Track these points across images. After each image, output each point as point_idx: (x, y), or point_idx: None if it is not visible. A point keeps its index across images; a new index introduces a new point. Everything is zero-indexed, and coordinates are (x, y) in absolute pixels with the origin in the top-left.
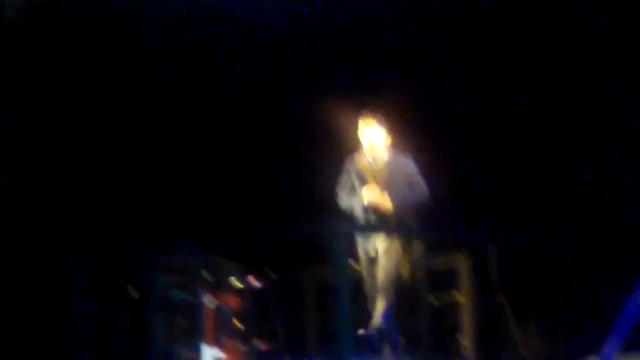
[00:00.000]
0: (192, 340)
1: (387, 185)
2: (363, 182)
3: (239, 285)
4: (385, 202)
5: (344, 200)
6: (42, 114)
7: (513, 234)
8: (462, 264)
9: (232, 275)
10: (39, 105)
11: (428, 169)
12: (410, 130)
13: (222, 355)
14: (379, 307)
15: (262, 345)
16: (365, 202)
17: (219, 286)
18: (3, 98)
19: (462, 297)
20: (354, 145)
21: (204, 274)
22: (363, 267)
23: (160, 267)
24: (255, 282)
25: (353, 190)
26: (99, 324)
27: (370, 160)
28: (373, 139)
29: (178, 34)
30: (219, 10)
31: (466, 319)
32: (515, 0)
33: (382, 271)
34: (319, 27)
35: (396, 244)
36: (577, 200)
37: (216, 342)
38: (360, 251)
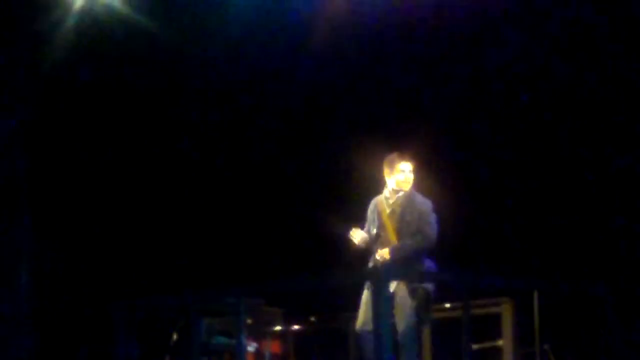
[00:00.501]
0: None
1: (399, 224)
2: (378, 223)
3: (280, 329)
4: (384, 254)
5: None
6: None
7: (557, 279)
8: (505, 310)
9: (274, 319)
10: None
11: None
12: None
13: None
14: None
15: None
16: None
17: (260, 331)
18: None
19: (505, 343)
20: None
21: (246, 318)
22: (367, 301)
23: (202, 311)
24: (296, 327)
25: (370, 232)
26: None
27: (389, 198)
28: (404, 175)
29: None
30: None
31: None
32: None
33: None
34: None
35: (402, 286)
36: (622, 244)
37: None
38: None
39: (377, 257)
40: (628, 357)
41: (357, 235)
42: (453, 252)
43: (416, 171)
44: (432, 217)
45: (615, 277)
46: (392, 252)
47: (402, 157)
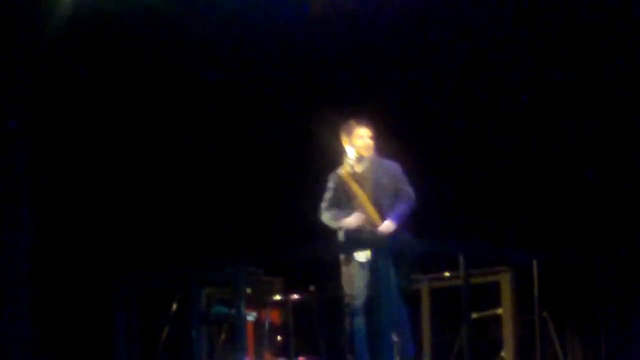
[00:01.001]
0: (234, 354)
1: (374, 190)
2: (347, 194)
3: (280, 298)
4: (374, 217)
5: (327, 216)
6: (88, 133)
7: (556, 249)
8: (504, 278)
9: (273, 289)
10: (86, 124)
11: (463, 183)
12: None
13: None
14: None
15: (302, 358)
16: (355, 224)
17: (259, 300)
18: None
19: (504, 311)
20: (337, 160)
21: (245, 288)
22: (349, 274)
23: (201, 281)
24: (295, 296)
25: (339, 205)
26: (142, 338)
27: (353, 166)
28: (364, 140)
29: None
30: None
31: (507, 333)
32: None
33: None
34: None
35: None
36: (622, 214)
37: (257, 356)
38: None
39: (381, 230)
40: (626, 325)
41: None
42: (451, 221)
43: (376, 137)
44: (406, 180)
45: (613, 246)
46: (394, 219)
47: (359, 123)
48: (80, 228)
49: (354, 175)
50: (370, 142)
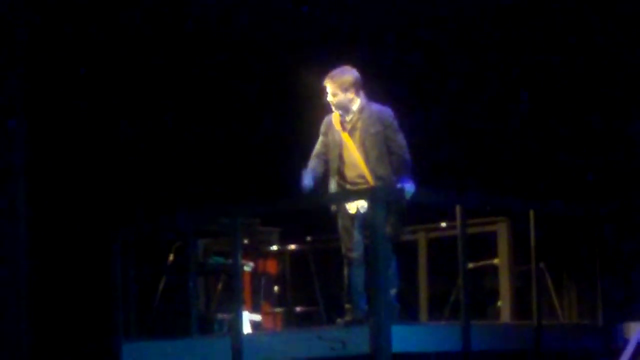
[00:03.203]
0: (231, 304)
1: (363, 140)
2: (336, 142)
3: (277, 249)
4: (364, 170)
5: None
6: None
7: (553, 199)
8: (501, 228)
9: (270, 239)
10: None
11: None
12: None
13: (259, 318)
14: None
15: (299, 308)
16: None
17: (256, 250)
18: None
19: (501, 262)
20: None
21: (242, 238)
22: (344, 226)
23: (198, 232)
24: (292, 246)
25: (327, 154)
26: (139, 289)
27: (342, 117)
28: (329, 95)
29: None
30: None
31: (504, 284)
32: None
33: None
34: None
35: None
36: (617, 166)
37: (254, 306)
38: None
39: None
40: (622, 275)
41: (308, 178)
42: (449, 171)
43: (344, 88)
44: (396, 124)
45: (610, 196)
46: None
47: (325, 78)
48: (77, 181)
49: (343, 125)
50: (332, 99)
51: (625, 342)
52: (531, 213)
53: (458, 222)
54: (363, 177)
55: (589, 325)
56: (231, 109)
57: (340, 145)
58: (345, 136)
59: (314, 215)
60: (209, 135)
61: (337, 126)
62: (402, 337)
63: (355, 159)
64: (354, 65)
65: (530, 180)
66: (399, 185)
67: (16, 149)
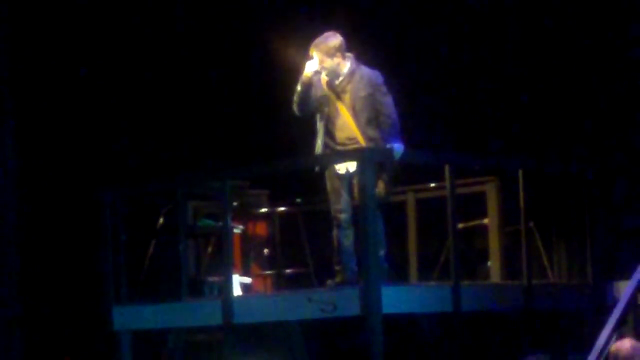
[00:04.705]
0: (221, 266)
1: (353, 103)
2: (321, 100)
3: (266, 211)
4: (355, 132)
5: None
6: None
7: (542, 158)
8: (490, 188)
9: (259, 201)
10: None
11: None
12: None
13: (249, 280)
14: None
15: (289, 270)
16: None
17: (246, 213)
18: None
19: (490, 222)
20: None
21: (231, 200)
22: (333, 187)
23: (188, 195)
24: (282, 208)
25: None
26: (128, 253)
27: (331, 80)
28: (319, 65)
29: None
30: None
31: (493, 244)
32: None
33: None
34: None
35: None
36: (608, 126)
37: (244, 269)
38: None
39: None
40: (611, 234)
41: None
42: (436, 130)
43: (330, 54)
44: (385, 87)
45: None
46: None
47: (308, 48)
48: (67, 145)
49: (333, 87)
50: (320, 67)
51: (615, 301)
52: (520, 173)
53: (447, 182)
54: (353, 138)
55: (579, 284)
56: (219, 72)
57: (328, 106)
58: (334, 98)
59: (304, 177)
60: (198, 97)
61: (325, 87)
62: (392, 298)
63: (346, 121)
64: (337, 29)
65: (520, 140)
66: (387, 146)
67: (5, 113)
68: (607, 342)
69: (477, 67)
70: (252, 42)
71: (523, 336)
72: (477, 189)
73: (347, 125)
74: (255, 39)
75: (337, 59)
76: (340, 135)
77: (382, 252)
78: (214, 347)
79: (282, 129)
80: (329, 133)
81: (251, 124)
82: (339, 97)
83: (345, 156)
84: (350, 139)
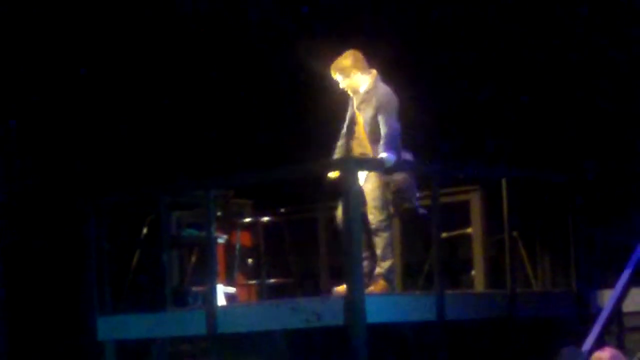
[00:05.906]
0: (204, 276)
1: (364, 124)
2: (351, 116)
3: (250, 220)
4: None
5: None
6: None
7: (527, 168)
8: (474, 198)
9: (243, 211)
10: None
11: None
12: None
13: (233, 290)
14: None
15: (273, 280)
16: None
17: (229, 222)
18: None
19: (474, 231)
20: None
21: (215, 210)
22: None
23: (171, 204)
24: (265, 218)
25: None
26: (112, 262)
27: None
28: (339, 84)
29: None
30: None
31: (477, 253)
32: None
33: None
34: None
35: (372, 177)
36: (594, 134)
37: (228, 278)
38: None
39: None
40: (593, 242)
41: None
42: (422, 140)
43: (345, 74)
44: (392, 107)
45: (583, 165)
46: (385, 146)
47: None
48: (51, 153)
49: (357, 101)
50: (341, 85)
51: (599, 309)
52: (503, 182)
53: (431, 192)
54: (366, 155)
55: (563, 293)
56: (206, 81)
57: (353, 120)
58: (357, 114)
59: (288, 187)
60: (182, 107)
61: (354, 102)
62: (377, 308)
63: (362, 139)
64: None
65: (503, 149)
66: (379, 156)
67: None
68: (591, 351)
69: (462, 73)
70: (241, 50)
71: (507, 345)
72: (460, 198)
73: (363, 142)
74: (246, 47)
75: (355, 76)
76: (356, 149)
77: (388, 264)
78: (198, 357)
79: (268, 138)
80: (348, 146)
81: (236, 133)
82: (358, 108)
83: (331, 165)
84: (363, 154)
